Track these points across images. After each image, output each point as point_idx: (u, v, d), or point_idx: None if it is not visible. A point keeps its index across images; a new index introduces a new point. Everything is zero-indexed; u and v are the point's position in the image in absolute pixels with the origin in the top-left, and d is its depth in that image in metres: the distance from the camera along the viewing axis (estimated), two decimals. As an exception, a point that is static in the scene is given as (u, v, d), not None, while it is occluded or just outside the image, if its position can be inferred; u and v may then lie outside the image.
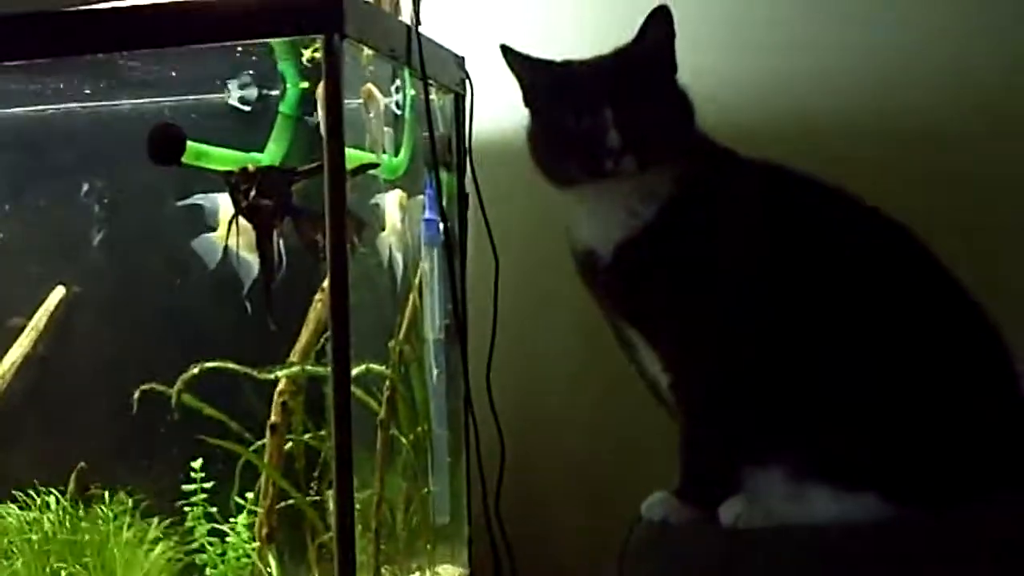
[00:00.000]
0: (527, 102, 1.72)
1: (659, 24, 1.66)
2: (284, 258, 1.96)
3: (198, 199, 2.00)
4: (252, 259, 1.98)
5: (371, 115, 1.98)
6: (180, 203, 2.03)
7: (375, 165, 1.99)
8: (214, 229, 1.99)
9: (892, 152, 2.24)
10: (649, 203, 1.64)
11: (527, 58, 1.71)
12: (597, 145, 1.61)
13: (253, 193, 1.89)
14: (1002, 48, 2.23)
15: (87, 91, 2.15)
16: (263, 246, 1.94)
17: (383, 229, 2.09)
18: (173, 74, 2.05)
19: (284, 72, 2.00)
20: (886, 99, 2.26)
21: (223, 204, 1.97)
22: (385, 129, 2.03)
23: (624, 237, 1.65)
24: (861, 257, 1.62)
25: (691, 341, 1.64)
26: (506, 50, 1.71)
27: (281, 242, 1.96)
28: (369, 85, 1.98)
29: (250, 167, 1.90)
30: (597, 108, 1.62)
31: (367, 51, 1.91)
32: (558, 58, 1.72)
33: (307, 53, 1.95)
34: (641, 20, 1.67)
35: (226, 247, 1.98)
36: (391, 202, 2.10)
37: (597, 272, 1.68)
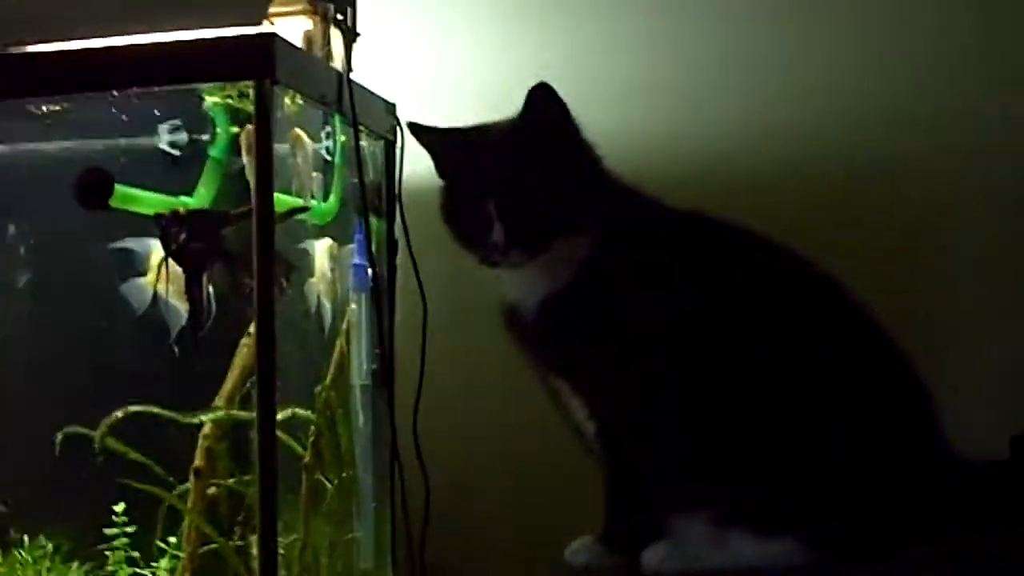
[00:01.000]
0: (438, 173, 1.75)
1: (541, 103, 1.67)
2: (213, 303, 1.96)
3: (129, 243, 1.99)
4: (181, 305, 1.98)
5: (299, 159, 1.99)
6: (111, 246, 2.01)
7: (304, 209, 1.99)
8: (144, 274, 1.99)
9: (813, 196, 2.28)
10: (567, 265, 1.66)
11: (432, 130, 1.73)
12: (483, 238, 1.64)
13: (183, 236, 1.89)
14: (911, 95, 2.29)
15: (15, 132, 2.14)
16: (192, 290, 1.94)
17: (312, 275, 2.09)
18: (103, 117, 2.04)
19: (214, 116, 2.00)
20: (804, 145, 2.31)
21: (154, 248, 1.96)
22: (315, 174, 2.04)
23: (546, 295, 1.67)
24: (782, 305, 1.65)
25: (615, 390, 1.66)
26: (414, 126, 1.73)
27: (211, 287, 1.95)
28: (297, 129, 1.98)
29: (181, 210, 1.90)
30: (482, 201, 1.64)
31: (297, 97, 1.92)
32: (483, 115, 1.74)
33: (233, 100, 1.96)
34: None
35: (155, 292, 1.97)
36: (320, 248, 2.11)
37: (523, 327, 1.71)
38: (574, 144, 1.70)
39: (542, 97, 1.67)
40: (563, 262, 1.65)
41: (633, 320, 1.64)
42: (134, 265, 2.00)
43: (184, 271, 1.91)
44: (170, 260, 1.92)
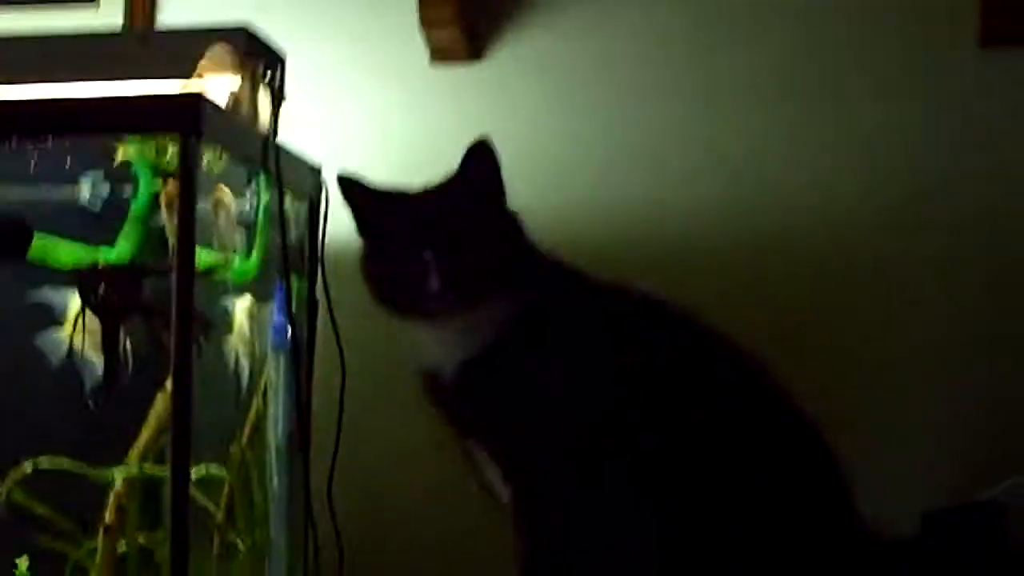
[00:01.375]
0: (360, 232, 1.74)
1: (480, 159, 1.69)
2: (130, 358, 1.95)
3: (46, 294, 1.97)
4: (97, 359, 1.96)
5: (220, 219, 1.98)
6: (28, 298, 1.99)
7: (223, 265, 1.98)
8: (61, 324, 1.97)
9: (725, 266, 2.34)
10: (489, 326, 1.66)
11: (362, 187, 1.73)
12: (419, 286, 1.63)
13: (102, 290, 1.88)
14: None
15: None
16: (109, 344, 1.92)
17: (230, 332, 2.08)
18: (25, 167, 2.03)
19: (137, 171, 1.99)
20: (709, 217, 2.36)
21: (71, 300, 1.95)
22: (236, 235, 2.03)
23: (466, 357, 1.67)
24: (702, 380, 1.65)
25: (530, 458, 1.66)
26: (343, 180, 1.73)
27: (127, 341, 1.94)
28: (220, 189, 1.98)
29: (100, 264, 1.89)
30: (418, 250, 1.64)
31: (220, 154, 1.92)
32: (410, 178, 1.75)
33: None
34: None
35: (70, 345, 1.95)
36: (240, 306, 2.10)
37: (440, 391, 1.70)
38: (504, 206, 1.72)
39: (482, 153, 1.69)
40: (484, 324, 1.66)
41: (550, 387, 1.64)
42: (52, 316, 1.98)
43: (102, 324, 1.90)
44: (87, 313, 1.90)
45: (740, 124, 2.40)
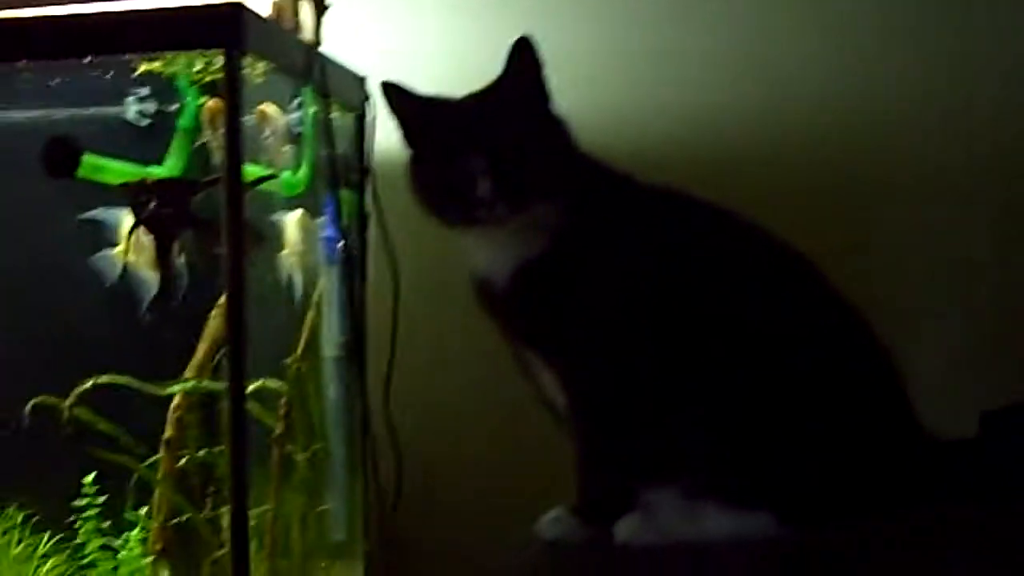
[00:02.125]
0: (406, 141, 1.72)
1: (522, 58, 1.67)
2: (184, 273, 1.95)
3: (98, 214, 1.98)
4: (152, 275, 1.96)
5: (267, 135, 1.97)
6: (80, 217, 2.00)
7: (272, 176, 1.98)
8: (114, 245, 1.98)
9: (785, 174, 2.29)
10: (540, 232, 1.65)
11: (406, 94, 1.71)
12: (468, 193, 1.62)
13: (153, 204, 1.87)
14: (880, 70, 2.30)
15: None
16: (163, 258, 1.92)
17: (283, 248, 2.08)
18: (70, 86, 2.03)
19: (182, 87, 1.98)
20: (778, 124, 2.32)
21: (124, 219, 1.95)
22: (284, 149, 2.02)
23: (519, 264, 1.66)
24: (754, 280, 1.65)
25: (587, 362, 1.66)
26: (386, 86, 1.71)
27: (182, 256, 1.94)
28: (263, 106, 1.97)
29: (148, 179, 1.89)
30: (466, 155, 1.62)
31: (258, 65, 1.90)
32: (455, 88, 1.73)
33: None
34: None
35: (125, 263, 1.96)
36: (291, 221, 2.10)
37: (494, 298, 1.70)
38: (549, 108, 1.70)
39: (524, 50, 1.66)
40: (536, 230, 1.65)
41: (605, 291, 1.64)
42: (104, 236, 1.98)
43: (155, 239, 1.90)
44: (140, 230, 1.90)
45: (790, 23, 2.35)
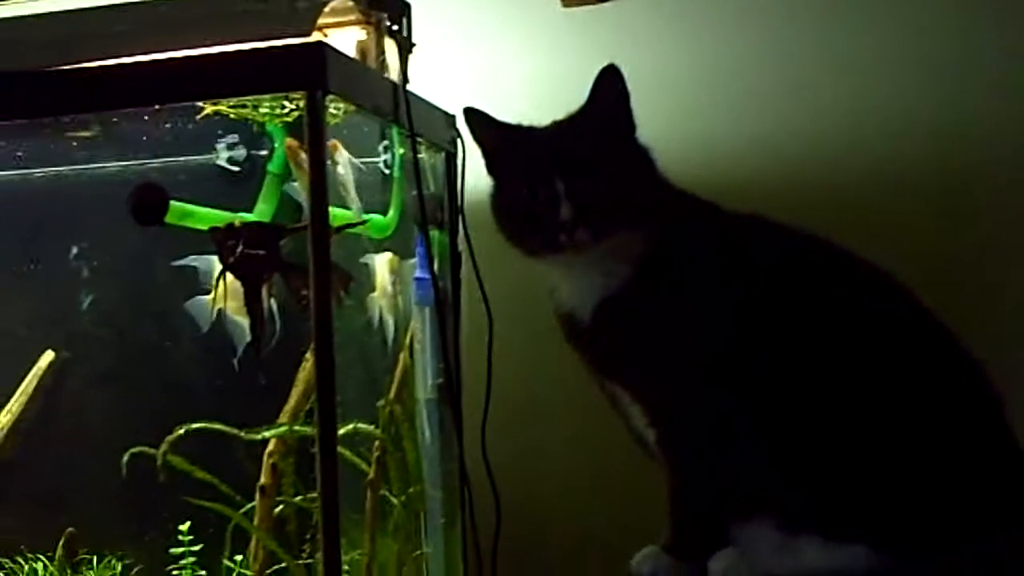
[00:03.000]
0: (489, 169, 1.71)
1: (609, 85, 1.65)
2: (277, 317, 1.94)
3: (191, 260, 1.98)
4: (244, 322, 1.96)
5: (339, 172, 1.95)
6: (174, 264, 2.00)
7: (361, 223, 1.97)
8: (207, 291, 1.98)
9: (875, 200, 2.23)
10: (623, 263, 1.63)
11: (490, 121, 1.71)
12: (550, 219, 1.60)
13: (240, 249, 1.87)
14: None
15: (70, 152, 2.15)
16: (252, 303, 1.92)
17: (373, 290, 2.07)
18: (160, 135, 2.05)
19: (271, 131, 1.98)
20: (871, 150, 2.27)
21: (216, 265, 1.95)
22: (351, 189, 2.00)
23: (602, 297, 1.64)
24: (845, 307, 1.60)
25: (674, 396, 1.62)
26: (469, 112, 1.71)
27: (272, 300, 1.93)
28: (333, 140, 1.95)
29: (236, 223, 1.88)
30: (549, 180, 1.60)
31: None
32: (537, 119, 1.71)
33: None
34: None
35: (219, 309, 1.96)
36: (381, 262, 2.09)
37: (579, 333, 1.67)
38: (634, 137, 1.68)
39: (611, 78, 1.65)
40: (618, 262, 1.62)
41: (691, 323, 1.60)
42: (198, 282, 1.99)
43: (243, 284, 1.89)
44: (228, 275, 1.90)
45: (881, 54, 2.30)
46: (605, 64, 1.66)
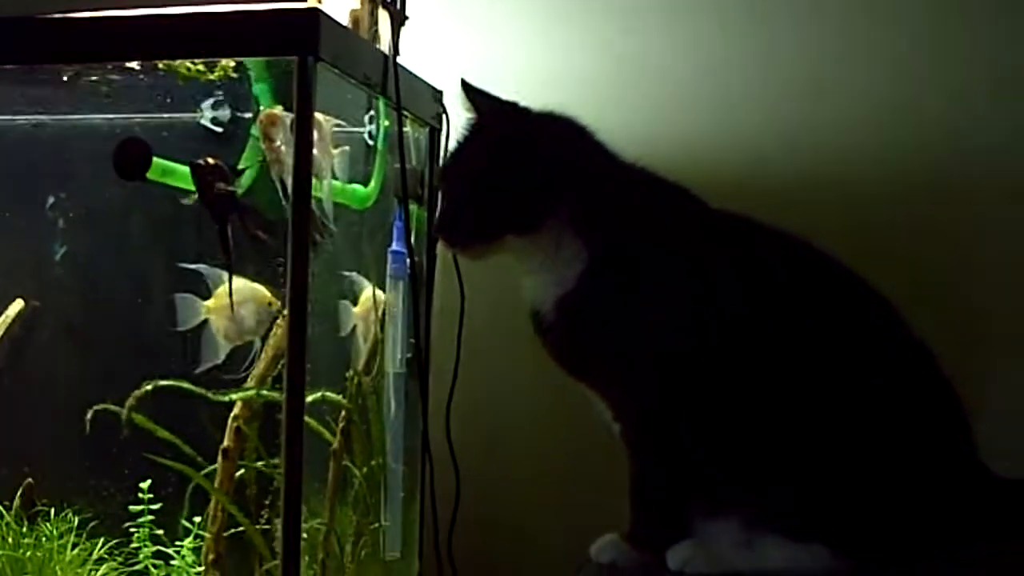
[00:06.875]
0: None
1: (468, 98, 1.73)
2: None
3: (202, 268, 1.98)
4: (224, 347, 1.99)
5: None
6: (182, 266, 2.00)
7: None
8: (205, 297, 1.98)
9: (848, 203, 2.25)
10: (577, 261, 1.64)
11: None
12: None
13: (219, 185, 1.87)
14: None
15: (56, 101, 2.13)
16: (222, 239, 1.91)
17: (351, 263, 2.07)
18: (145, 90, 2.03)
19: (258, 94, 1.97)
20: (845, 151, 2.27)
21: (223, 279, 1.95)
22: (334, 150, 1.98)
23: (561, 293, 1.65)
24: (812, 307, 1.61)
25: (636, 390, 1.63)
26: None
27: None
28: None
29: (213, 160, 1.88)
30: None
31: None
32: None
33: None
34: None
35: (204, 320, 1.98)
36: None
37: (544, 330, 1.69)
38: (528, 140, 1.68)
39: (465, 93, 1.72)
40: (573, 260, 1.63)
41: (651, 320, 1.60)
42: (196, 286, 1.99)
43: (215, 221, 1.88)
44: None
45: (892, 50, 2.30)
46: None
